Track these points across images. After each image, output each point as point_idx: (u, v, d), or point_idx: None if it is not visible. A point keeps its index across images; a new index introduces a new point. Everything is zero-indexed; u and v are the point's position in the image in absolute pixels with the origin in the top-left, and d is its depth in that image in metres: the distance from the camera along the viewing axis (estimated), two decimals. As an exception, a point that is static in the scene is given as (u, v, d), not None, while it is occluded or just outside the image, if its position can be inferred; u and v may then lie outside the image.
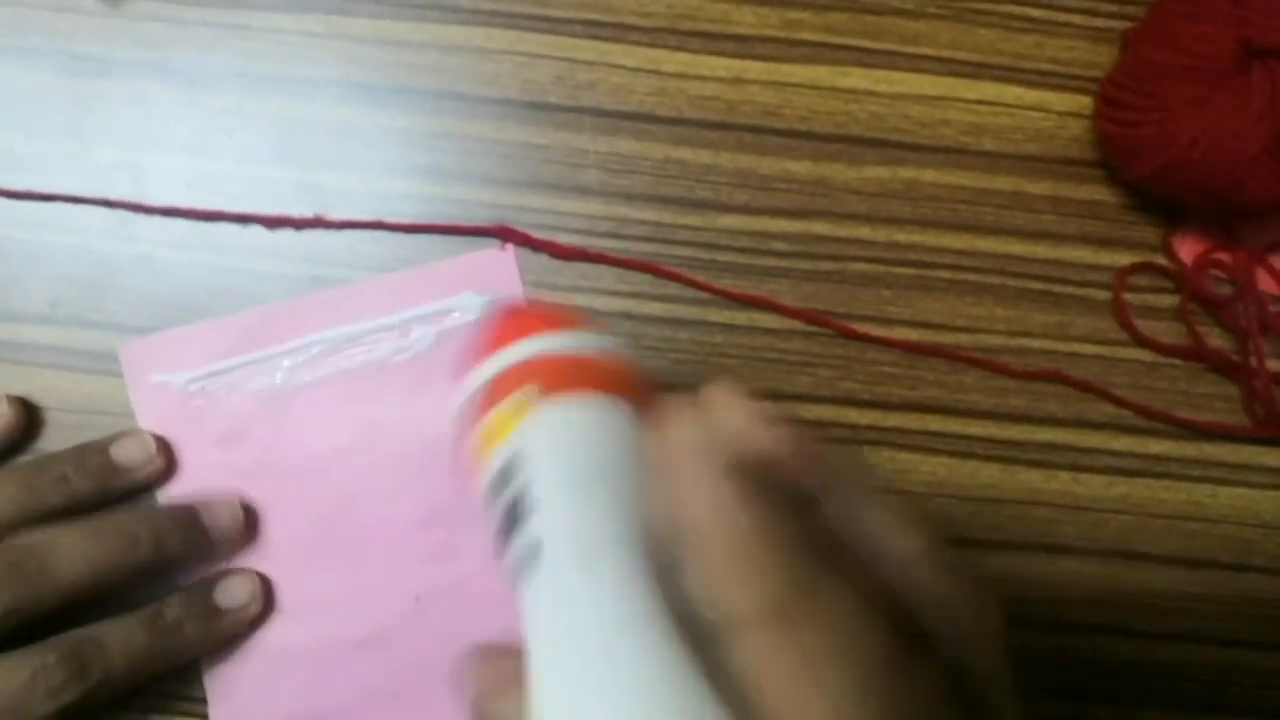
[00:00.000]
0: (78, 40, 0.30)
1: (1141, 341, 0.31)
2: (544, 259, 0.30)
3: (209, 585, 0.27)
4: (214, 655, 0.27)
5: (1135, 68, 0.30)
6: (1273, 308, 0.31)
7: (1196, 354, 0.31)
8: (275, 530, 0.28)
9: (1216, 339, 0.31)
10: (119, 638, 0.24)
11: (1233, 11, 0.28)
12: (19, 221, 0.29)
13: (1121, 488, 0.31)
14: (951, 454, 0.30)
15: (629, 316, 0.30)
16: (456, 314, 0.29)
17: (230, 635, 0.27)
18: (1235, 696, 0.30)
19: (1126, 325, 0.31)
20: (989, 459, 0.30)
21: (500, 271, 0.30)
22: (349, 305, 0.29)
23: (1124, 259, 0.31)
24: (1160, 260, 0.31)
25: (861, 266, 0.31)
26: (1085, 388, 0.31)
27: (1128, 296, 0.31)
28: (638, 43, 0.31)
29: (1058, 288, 0.31)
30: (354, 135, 0.30)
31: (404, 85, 0.30)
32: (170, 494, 0.28)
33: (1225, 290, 0.31)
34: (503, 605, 0.28)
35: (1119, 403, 0.31)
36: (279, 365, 0.29)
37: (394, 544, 0.28)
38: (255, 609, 0.27)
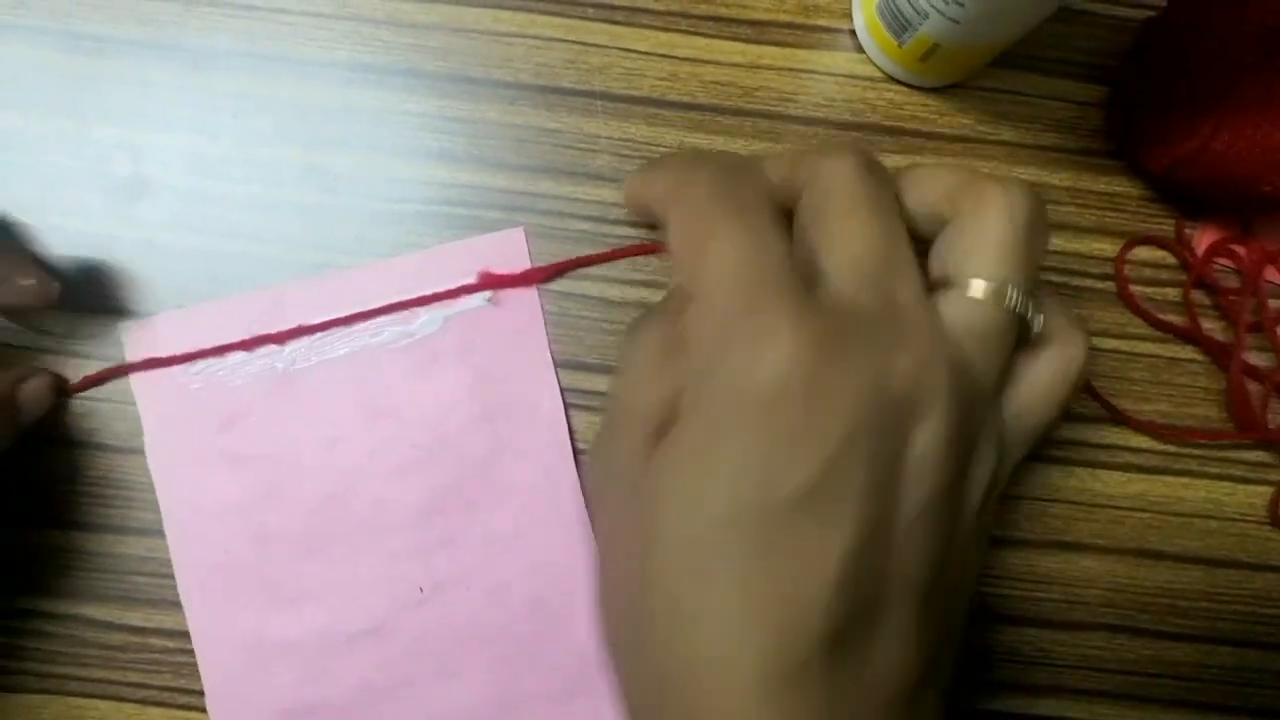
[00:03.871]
0: (79, 19, 0.29)
1: (1138, 313, 0.30)
2: (554, 243, 0.29)
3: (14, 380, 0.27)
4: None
5: (1155, 57, 0.30)
6: (1276, 301, 0.31)
7: (1190, 336, 0.30)
8: (275, 516, 0.28)
9: (1222, 334, 0.31)
10: None
11: (1257, -1, 0.28)
12: (18, 202, 0.28)
13: (1139, 485, 0.30)
14: (967, 448, 0.30)
15: (643, 306, 0.29)
16: (464, 298, 0.29)
17: (29, 413, 0.27)
18: (1253, 698, 0.29)
19: (1124, 295, 0.31)
20: (1005, 454, 0.30)
21: (510, 253, 0.29)
22: (354, 287, 0.29)
23: (1144, 252, 0.31)
24: (1160, 233, 0.31)
25: (878, 256, 0.30)
26: (1091, 393, 0.30)
27: (1136, 288, 0.31)
28: (651, 26, 0.31)
29: (1076, 280, 0.31)
30: (361, 118, 0.30)
31: (413, 67, 0.30)
32: (167, 473, 0.28)
33: (1233, 282, 0.31)
34: (505, 596, 0.28)
35: (1107, 407, 0.30)
36: (282, 348, 0.28)
37: (396, 532, 0.28)
38: (49, 392, 0.27)
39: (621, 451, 0.20)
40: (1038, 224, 0.20)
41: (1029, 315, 0.20)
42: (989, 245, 0.20)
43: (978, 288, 0.20)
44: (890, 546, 0.18)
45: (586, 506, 0.28)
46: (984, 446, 0.20)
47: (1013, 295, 0.20)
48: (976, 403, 0.20)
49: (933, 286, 0.21)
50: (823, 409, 0.18)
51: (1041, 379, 0.22)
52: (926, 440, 0.19)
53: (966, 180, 0.21)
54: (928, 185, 0.22)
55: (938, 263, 0.21)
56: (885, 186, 0.21)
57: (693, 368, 0.20)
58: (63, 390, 0.27)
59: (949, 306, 0.20)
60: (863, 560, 0.18)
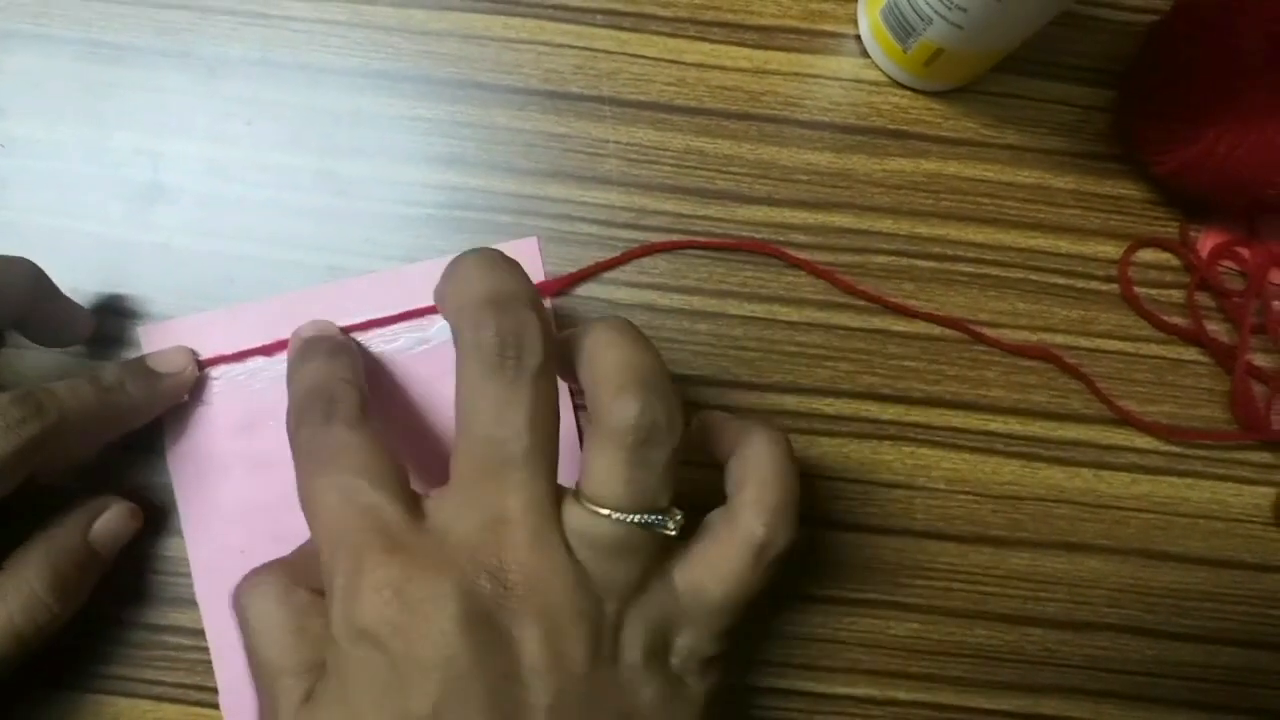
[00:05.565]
0: (98, 28, 0.30)
1: (1143, 315, 0.31)
2: (562, 246, 0.30)
3: (142, 357, 0.27)
4: (168, 427, 0.28)
5: (1160, 61, 0.30)
6: (1278, 303, 0.31)
7: (1195, 337, 0.31)
8: (291, 519, 0.28)
9: (1226, 336, 0.31)
10: (67, 388, 0.24)
11: (1261, 3, 0.28)
12: (39, 208, 0.29)
13: (1144, 486, 0.30)
14: (973, 450, 0.30)
15: (649, 308, 0.30)
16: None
17: (171, 397, 0.27)
18: (1259, 698, 0.30)
19: (1129, 297, 0.31)
20: (1010, 455, 0.30)
21: (524, 261, 0.29)
22: (370, 295, 0.29)
23: (1149, 254, 0.31)
24: (1164, 236, 0.31)
25: (884, 259, 0.30)
26: (1096, 394, 0.30)
27: (1141, 290, 0.31)
28: (658, 32, 0.31)
29: (1081, 282, 0.31)
30: (373, 123, 0.30)
31: (424, 74, 0.30)
32: (186, 475, 0.28)
33: (1237, 284, 0.31)
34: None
35: (1112, 408, 0.30)
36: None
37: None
38: (192, 373, 0.28)
39: (281, 716, 0.21)
40: (652, 439, 0.20)
41: (652, 523, 0.21)
42: (599, 468, 0.21)
43: (591, 506, 0.21)
44: None
45: None
46: (628, 635, 0.21)
47: (621, 516, 0.21)
48: (601, 604, 0.21)
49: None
50: (421, 637, 0.19)
51: (718, 557, 0.22)
52: (531, 645, 0.20)
53: (600, 378, 0.21)
54: (583, 370, 0.22)
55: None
56: (519, 378, 0.21)
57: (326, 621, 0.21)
58: (137, 514, 0.27)
59: (569, 516, 0.21)
60: None
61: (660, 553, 0.22)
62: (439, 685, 0.19)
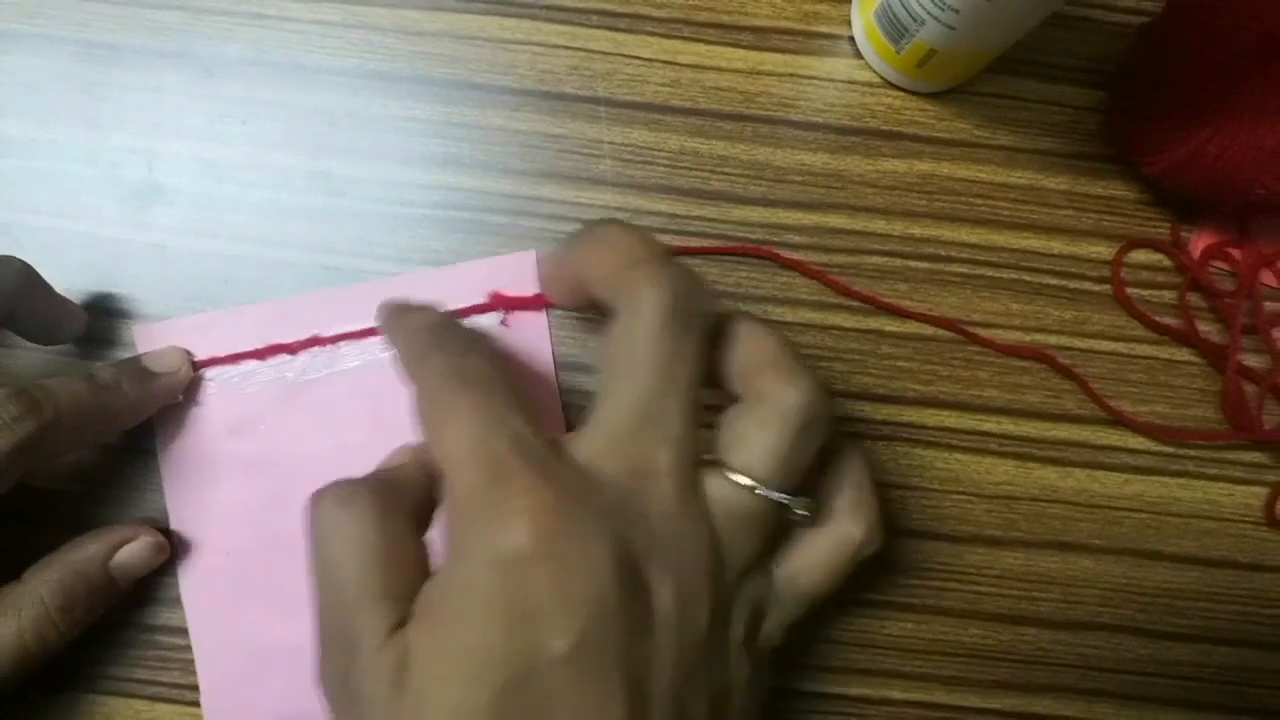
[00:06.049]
0: (94, 28, 0.30)
1: (1135, 315, 0.31)
2: (558, 246, 0.30)
3: (137, 357, 0.27)
4: (160, 428, 0.28)
5: (1151, 62, 0.30)
6: (1271, 304, 0.31)
7: (1186, 338, 0.31)
8: (279, 523, 0.28)
9: (1218, 336, 0.31)
10: (62, 385, 0.24)
11: (1251, 4, 0.28)
12: (34, 208, 0.29)
13: (1137, 485, 0.30)
14: (967, 450, 0.30)
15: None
16: (474, 317, 0.29)
17: (165, 396, 0.27)
18: (1250, 697, 0.30)
19: (1121, 298, 0.31)
20: (1004, 455, 0.30)
21: (521, 274, 0.29)
22: (367, 302, 0.29)
23: (1140, 255, 0.31)
24: (1157, 235, 0.31)
25: (877, 260, 0.31)
26: (1089, 394, 0.30)
27: (1133, 290, 0.31)
28: (653, 33, 0.31)
29: (1074, 283, 0.31)
30: (368, 124, 0.30)
31: (420, 74, 0.30)
32: (176, 476, 0.28)
33: (1228, 285, 0.31)
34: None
35: (1105, 408, 0.30)
36: (294, 358, 0.29)
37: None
38: (186, 373, 0.28)
39: (364, 646, 0.20)
40: (810, 427, 0.21)
41: (791, 504, 0.22)
42: (755, 446, 0.21)
43: (738, 477, 0.21)
44: (651, 698, 0.19)
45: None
46: (738, 609, 0.21)
47: (767, 492, 0.21)
48: (720, 573, 0.21)
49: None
50: (576, 572, 0.19)
51: (818, 553, 0.23)
52: (665, 600, 0.20)
53: (767, 361, 0.22)
54: (736, 351, 0.22)
55: (723, 423, 0.22)
56: (689, 338, 0.21)
57: (449, 544, 0.20)
58: (163, 548, 0.27)
59: (710, 482, 0.21)
60: (642, 710, 0.19)
61: (778, 535, 0.23)
62: (583, 623, 0.18)
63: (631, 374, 0.21)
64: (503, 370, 0.22)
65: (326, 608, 0.21)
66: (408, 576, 0.20)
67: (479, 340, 0.23)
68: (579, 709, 0.18)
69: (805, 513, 0.22)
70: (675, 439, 0.21)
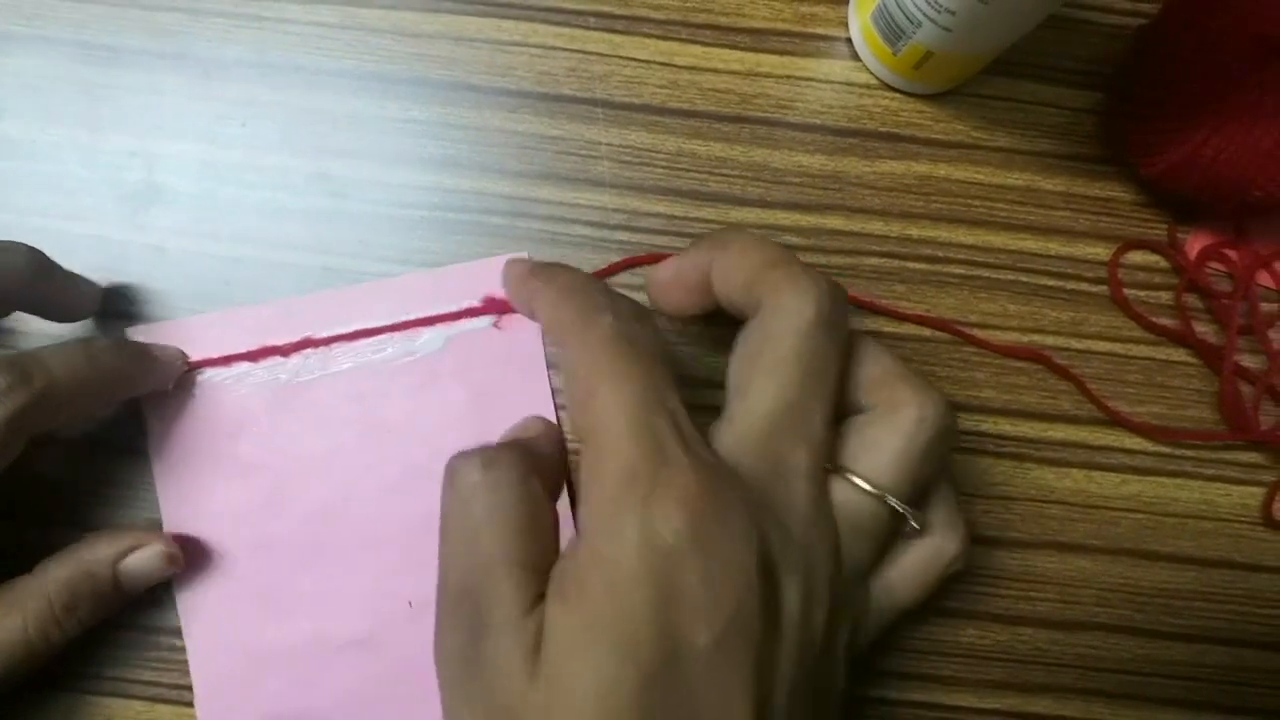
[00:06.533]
0: (92, 30, 0.30)
1: (1132, 316, 0.31)
2: (555, 248, 0.30)
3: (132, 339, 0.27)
4: (149, 401, 0.28)
5: (1148, 64, 0.30)
6: (1267, 305, 0.31)
7: (1183, 339, 0.31)
8: (272, 525, 0.28)
9: (1214, 337, 0.31)
10: (56, 354, 0.24)
11: (1248, 6, 0.28)
12: (34, 209, 0.29)
13: (1134, 486, 0.30)
14: (964, 450, 0.30)
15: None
16: (468, 320, 0.29)
17: (161, 374, 0.27)
18: (1247, 697, 0.30)
19: (1118, 299, 0.31)
20: (1001, 456, 0.30)
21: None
22: (360, 304, 0.29)
23: (1137, 256, 0.31)
24: (1154, 236, 0.31)
25: (875, 261, 0.31)
26: (1086, 395, 0.30)
27: (1130, 291, 0.31)
28: (651, 35, 0.31)
29: (1071, 284, 0.31)
30: (367, 125, 0.30)
31: (418, 76, 0.30)
32: (169, 478, 0.28)
33: (1225, 286, 0.31)
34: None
35: (1102, 408, 0.31)
36: (286, 360, 0.29)
37: (390, 547, 0.28)
38: (183, 362, 0.28)
39: (498, 618, 0.19)
40: (940, 440, 0.22)
41: (908, 515, 0.22)
42: (885, 453, 0.22)
43: (865, 484, 0.21)
44: (770, 697, 0.19)
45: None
46: (844, 614, 0.22)
47: (893, 500, 0.22)
48: (838, 578, 0.21)
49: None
50: (727, 564, 0.19)
51: (914, 565, 0.23)
52: (792, 601, 0.20)
53: (894, 376, 0.22)
54: (865, 362, 0.23)
55: (847, 432, 0.23)
56: (833, 344, 0.22)
57: (587, 519, 0.19)
58: (175, 559, 0.26)
59: (837, 488, 0.21)
60: (764, 708, 0.19)
61: (888, 546, 0.23)
62: (728, 617, 0.18)
63: (779, 371, 0.21)
64: (666, 346, 0.22)
65: (459, 573, 0.20)
66: (545, 547, 0.20)
67: (647, 311, 0.23)
68: (713, 703, 0.18)
69: (918, 526, 0.22)
70: (816, 440, 0.21)
